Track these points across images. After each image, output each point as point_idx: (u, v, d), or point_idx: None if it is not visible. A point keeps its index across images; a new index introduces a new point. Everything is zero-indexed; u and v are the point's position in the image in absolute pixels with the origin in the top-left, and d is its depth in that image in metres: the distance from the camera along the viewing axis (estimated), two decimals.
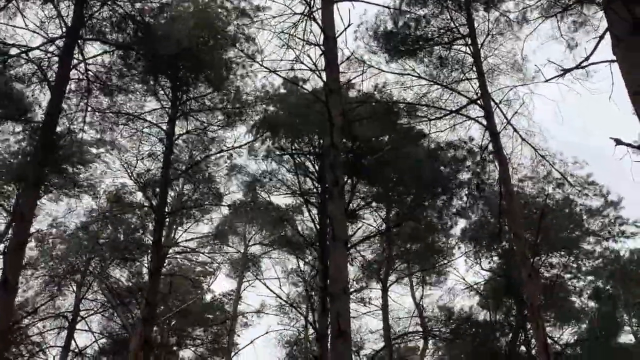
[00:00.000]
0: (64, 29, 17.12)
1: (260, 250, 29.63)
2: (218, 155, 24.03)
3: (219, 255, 30.82)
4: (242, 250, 31.02)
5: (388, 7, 20.96)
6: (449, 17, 21.35)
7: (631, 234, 25.31)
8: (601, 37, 13.68)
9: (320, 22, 16.11)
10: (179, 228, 27.39)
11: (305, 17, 16.82)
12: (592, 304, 27.64)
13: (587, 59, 13.31)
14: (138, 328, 21.94)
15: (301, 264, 24.87)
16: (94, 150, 23.55)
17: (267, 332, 32.06)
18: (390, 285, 28.87)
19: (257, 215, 25.05)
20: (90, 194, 25.41)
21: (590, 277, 26.90)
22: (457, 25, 21.38)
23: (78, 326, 28.13)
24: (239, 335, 33.90)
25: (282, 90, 21.39)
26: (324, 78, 15.35)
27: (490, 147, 20.16)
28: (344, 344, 13.09)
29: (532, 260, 20.16)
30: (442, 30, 21.68)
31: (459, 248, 26.92)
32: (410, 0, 21.13)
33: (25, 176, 16.39)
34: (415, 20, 21.39)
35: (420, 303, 29.14)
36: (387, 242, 26.86)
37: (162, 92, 21.52)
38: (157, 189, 21.53)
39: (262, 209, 23.91)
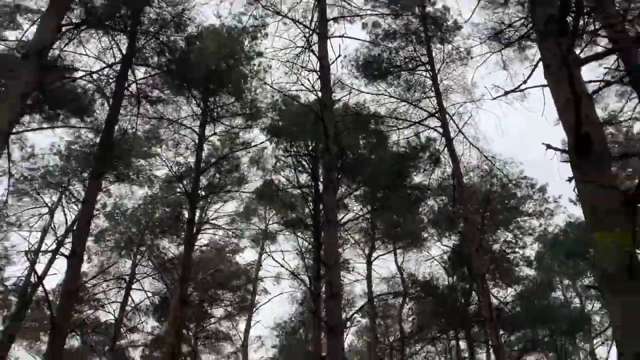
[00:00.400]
0: (120, 57, 17.23)
1: (277, 228, 29.44)
2: (239, 152, 24.08)
3: (246, 231, 31.06)
4: (262, 227, 30.59)
5: (367, 41, 21.54)
6: (413, 48, 22.20)
7: (553, 210, 26.06)
8: (535, 66, 13.89)
9: (317, 53, 16.41)
10: (210, 209, 27.29)
11: (305, 50, 17.25)
12: (527, 270, 27.74)
13: (524, 82, 13.51)
14: (177, 289, 22.27)
15: (301, 241, 24.86)
16: (144, 149, 23.72)
17: (281, 294, 32.25)
18: (374, 259, 29.44)
19: (270, 201, 25.02)
20: (143, 181, 25.53)
21: (527, 249, 27.00)
22: (419, 55, 22.19)
23: (134, 286, 28.37)
24: (259, 294, 33.71)
25: (285, 106, 21.45)
26: (320, 97, 15.54)
27: (445, 150, 20.76)
28: (335, 303, 13.28)
29: (479, 237, 20.50)
30: (407, 59, 22.42)
31: (425, 229, 27.02)
32: (383, 35, 21.79)
33: (90, 169, 16.45)
34: (386, 52, 22.05)
35: (401, 268, 29.21)
36: (371, 224, 27.03)
37: (194, 102, 21.46)
38: (192, 177, 21.62)
39: (275, 195, 23.94)
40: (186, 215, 22.31)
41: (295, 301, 30.73)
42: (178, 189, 23.21)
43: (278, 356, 35.27)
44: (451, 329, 26.32)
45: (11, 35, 18.03)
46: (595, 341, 29.55)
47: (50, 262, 24.19)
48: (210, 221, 28.01)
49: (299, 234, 24.37)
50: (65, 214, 25.18)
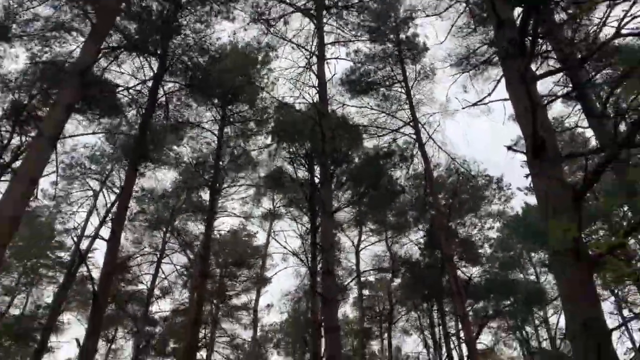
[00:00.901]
0: (151, 74, 17.24)
1: (283, 211, 29.39)
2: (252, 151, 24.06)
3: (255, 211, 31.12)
4: (270, 211, 30.35)
5: (352, 61, 21.70)
6: (390, 68, 22.58)
7: (509, 197, 25.98)
8: (498, 82, 13.89)
9: (316, 72, 16.67)
10: (227, 196, 27.16)
11: (306, 69, 17.50)
12: (489, 250, 27.78)
13: (489, 94, 13.55)
14: (198, 265, 22.39)
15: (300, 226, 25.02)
16: (174, 147, 23.90)
17: (285, 268, 32.45)
18: (362, 249, 30.06)
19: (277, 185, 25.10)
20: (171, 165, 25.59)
21: (489, 231, 27.05)
22: (395, 73, 22.61)
23: (164, 261, 28.13)
24: (267, 269, 33.33)
25: (289, 114, 21.52)
26: (318, 108, 15.72)
27: (418, 153, 21.10)
28: (330, 279, 13.38)
29: (447, 225, 20.60)
30: (385, 77, 22.76)
31: (404, 216, 27.01)
32: (364, 58, 22.03)
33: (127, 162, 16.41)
34: (367, 72, 22.51)
35: (391, 248, 29.21)
36: (358, 211, 27.00)
37: (214, 109, 21.53)
38: (212, 171, 21.90)
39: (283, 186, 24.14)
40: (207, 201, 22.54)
41: (299, 275, 30.63)
42: (201, 179, 23.33)
43: (284, 323, 35.14)
44: (428, 301, 26.25)
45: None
46: (549, 309, 29.48)
47: (92, 241, 24.53)
48: (227, 207, 27.87)
49: (297, 220, 24.47)
50: (105, 198, 25.58)
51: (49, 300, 25.27)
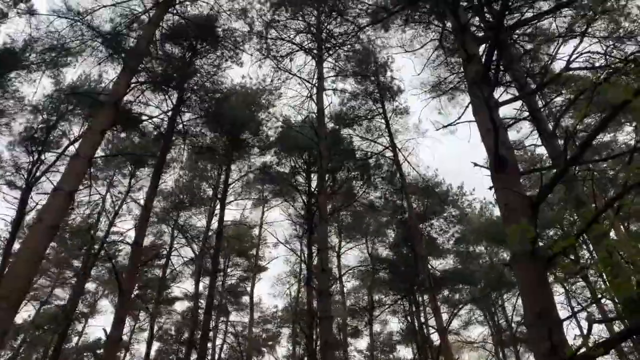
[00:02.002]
0: (171, 105, 17.34)
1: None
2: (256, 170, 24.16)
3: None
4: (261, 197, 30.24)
5: (350, 92, 22.04)
6: (371, 104, 23.36)
7: (471, 202, 26.37)
8: (466, 107, 13.87)
9: (315, 101, 16.88)
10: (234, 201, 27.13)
11: (308, 98, 17.78)
12: (453, 246, 27.78)
13: (459, 118, 13.49)
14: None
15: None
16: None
17: (277, 257, 32.63)
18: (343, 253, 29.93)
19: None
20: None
21: (454, 231, 27.05)
22: (376, 108, 23.25)
23: (173, 253, 27.94)
24: (262, 257, 33.24)
25: (292, 135, 21.76)
26: (317, 131, 15.93)
27: (397, 173, 21.55)
28: (325, 276, 13.38)
29: (420, 231, 20.71)
30: (367, 111, 23.53)
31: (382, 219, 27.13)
32: (349, 97, 23.08)
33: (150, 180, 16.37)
34: (353, 107, 23.56)
35: (371, 252, 29.13)
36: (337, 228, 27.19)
37: (224, 135, 21.45)
38: (221, 188, 22.04)
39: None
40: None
41: (289, 262, 30.77)
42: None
43: (282, 312, 34.94)
44: (403, 295, 26.23)
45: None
46: (505, 296, 29.42)
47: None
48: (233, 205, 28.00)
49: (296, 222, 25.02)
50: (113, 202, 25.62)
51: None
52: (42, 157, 19.99)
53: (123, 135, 22.01)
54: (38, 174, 19.67)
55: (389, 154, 22.04)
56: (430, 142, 44.34)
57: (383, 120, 22.60)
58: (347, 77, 21.51)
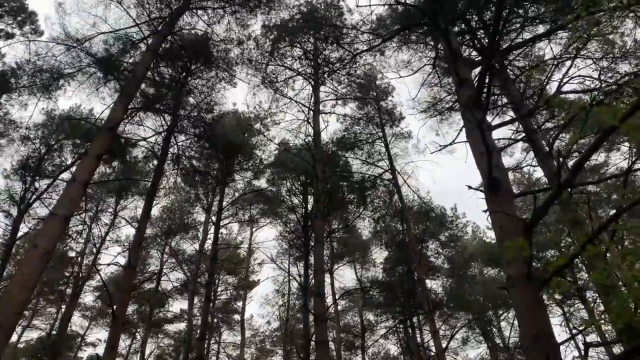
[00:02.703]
0: (165, 127, 17.38)
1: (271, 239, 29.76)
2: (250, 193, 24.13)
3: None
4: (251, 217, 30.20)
5: (349, 116, 22.37)
6: (372, 129, 23.75)
7: (465, 225, 26.23)
8: (461, 129, 13.97)
9: (312, 124, 17.03)
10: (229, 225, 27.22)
11: (304, 121, 17.96)
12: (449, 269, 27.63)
13: (453, 141, 13.61)
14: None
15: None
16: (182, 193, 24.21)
17: (267, 278, 32.53)
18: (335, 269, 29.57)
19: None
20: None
21: (450, 253, 26.97)
22: (376, 132, 23.61)
23: (163, 278, 27.92)
24: (253, 273, 33.32)
25: (288, 158, 21.85)
26: (313, 154, 16.03)
27: (396, 195, 21.73)
28: (320, 299, 13.30)
29: (420, 253, 20.55)
30: (368, 136, 23.84)
31: (376, 238, 27.07)
32: (351, 122, 23.32)
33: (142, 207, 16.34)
34: (354, 132, 23.73)
35: (359, 276, 29.03)
36: (331, 244, 27.17)
37: (217, 159, 21.46)
38: (216, 211, 21.99)
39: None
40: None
41: (276, 281, 30.43)
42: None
43: (278, 332, 34.64)
44: (401, 318, 26.01)
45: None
46: (501, 317, 29.19)
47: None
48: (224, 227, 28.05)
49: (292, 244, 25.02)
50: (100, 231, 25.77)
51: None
52: (35, 184, 20.08)
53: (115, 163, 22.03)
54: (31, 200, 19.77)
55: (388, 176, 22.32)
56: (429, 166, 44.40)
57: (383, 144, 22.96)
58: (345, 101, 21.95)
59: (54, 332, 26.81)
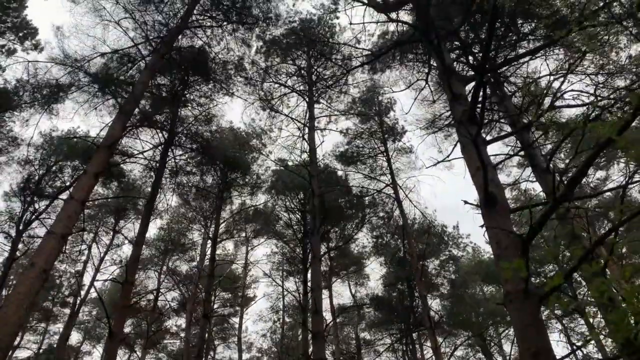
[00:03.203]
0: (163, 141, 17.41)
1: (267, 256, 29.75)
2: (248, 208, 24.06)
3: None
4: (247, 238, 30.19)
5: (342, 132, 22.36)
6: (374, 143, 23.88)
7: (466, 245, 25.87)
8: (456, 144, 14.00)
9: (307, 140, 17.02)
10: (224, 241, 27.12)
11: (300, 137, 17.93)
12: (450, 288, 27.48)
13: (448, 156, 13.62)
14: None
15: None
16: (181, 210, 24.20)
17: (264, 295, 32.18)
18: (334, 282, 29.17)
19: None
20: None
21: (450, 273, 26.87)
22: (378, 146, 23.73)
23: (160, 298, 27.69)
24: (249, 289, 33.28)
25: (284, 174, 21.85)
26: (309, 169, 16.04)
27: (397, 210, 21.68)
28: (318, 317, 13.24)
29: (421, 269, 20.41)
30: (370, 150, 23.97)
31: (375, 256, 26.98)
32: (354, 136, 23.62)
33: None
34: (356, 146, 23.95)
35: (355, 293, 28.91)
36: (330, 258, 26.97)
37: (215, 174, 21.52)
38: (213, 227, 21.85)
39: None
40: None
41: (270, 298, 30.63)
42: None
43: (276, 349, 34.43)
44: (401, 335, 25.80)
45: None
46: (502, 334, 28.96)
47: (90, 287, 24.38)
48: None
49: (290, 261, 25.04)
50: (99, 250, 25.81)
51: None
52: (34, 205, 20.11)
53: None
54: (30, 219, 19.80)
55: (389, 191, 22.32)
56: (431, 180, 44.44)
57: (385, 159, 23.02)
58: (347, 116, 22.03)
59: (44, 348, 26.70)
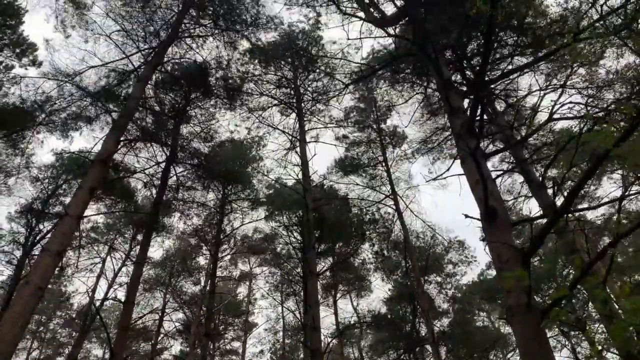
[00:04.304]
0: (164, 158, 17.37)
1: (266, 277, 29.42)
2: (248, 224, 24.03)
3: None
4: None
5: (333, 144, 22.10)
6: (373, 152, 23.34)
7: (470, 261, 25.52)
8: (455, 159, 14.07)
9: (299, 153, 17.03)
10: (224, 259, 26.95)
11: (291, 150, 17.95)
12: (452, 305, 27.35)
13: (447, 170, 13.69)
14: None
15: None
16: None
17: (267, 320, 32.09)
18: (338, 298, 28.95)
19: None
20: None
21: (452, 289, 26.76)
22: (377, 156, 23.22)
23: (165, 318, 27.44)
24: (253, 314, 33.08)
25: (277, 189, 21.75)
26: (302, 183, 16.07)
27: (397, 221, 21.29)
28: (316, 334, 13.12)
29: (422, 283, 20.33)
30: (369, 159, 23.37)
31: (376, 272, 26.72)
32: (352, 144, 22.89)
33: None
34: (354, 155, 23.33)
35: (357, 306, 28.66)
36: (332, 274, 26.72)
37: (216, 189, 21.49)
38: (214, 243, 21.77)
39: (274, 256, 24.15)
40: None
41: (269, 319, 30.70)
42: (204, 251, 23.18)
43: None
44: (403, 352, 25.51)
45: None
46: (509, 355, 28.78)
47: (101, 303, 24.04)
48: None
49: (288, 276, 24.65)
50: (113, 265, 25.20)
51: None
52: (40, 226, 20.02)
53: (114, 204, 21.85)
54: (35, 240, 19.66)
55: (390, 202, 21.83)
56: (432, 191, 44.42)
57: (384, 167, 22.60)
58: (345, 124, 21.73)
59: None
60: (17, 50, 17.29)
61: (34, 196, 20.26)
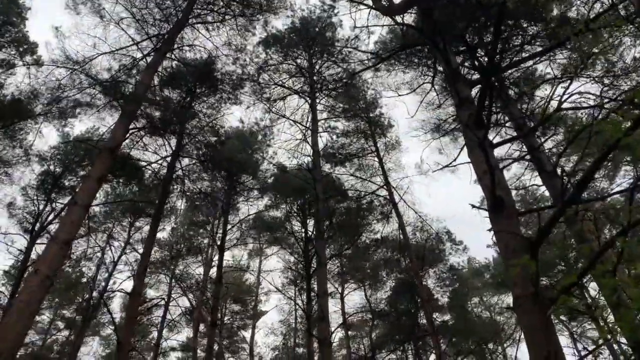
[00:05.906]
0: (170, 151, 17.43)
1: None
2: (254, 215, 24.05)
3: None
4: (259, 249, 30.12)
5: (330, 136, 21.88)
6: (363, 141, 22.86)
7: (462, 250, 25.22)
8: (462, 148, 13.99)
9: (310, 143, 16.94)
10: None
11: (302, 141, 17.84)
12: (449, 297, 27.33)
13: (455, 159, 13.62)
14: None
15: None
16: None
17: (276, 306, 32.44)
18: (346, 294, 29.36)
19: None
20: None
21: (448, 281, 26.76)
22: (368, 145, 22.84)
23: (171, 304, 27.26)
24: (261, 302, 33.24)
25: (288, 179, 21.66)
26: (313, 173, 16.04)
27: (393, 212, 21.00)
28: (324, 323, 13.15)
29: (420, 274, 20.32)
30: (359, 149, 22.85)
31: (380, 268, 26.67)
32: (340, 134, 22.35)
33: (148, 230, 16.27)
34: (342, 145, 22.64)
35: (369, 298, 28.61)
36: (340, 265, 26.74)
37: (222, 180, 21.44)
38: (220, 234, 21.80)
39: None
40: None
41: (282, 311, 30.74)
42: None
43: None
44: (406, 341, 25.57)
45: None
46: (505, 345, 28.73)
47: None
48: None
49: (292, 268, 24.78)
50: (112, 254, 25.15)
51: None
52: (48, 206, 20.01)
53: (122, 185, 21.87)
54: (44, 224, 19.71)
55: (384, 192, 21.62)
56: (428, 181, 44.07)
57: (376, 158, 22.32)
58: (339, 116, 21.39)
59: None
60: (20, 49, 17.38)
61: (42, 174, 20.23)
